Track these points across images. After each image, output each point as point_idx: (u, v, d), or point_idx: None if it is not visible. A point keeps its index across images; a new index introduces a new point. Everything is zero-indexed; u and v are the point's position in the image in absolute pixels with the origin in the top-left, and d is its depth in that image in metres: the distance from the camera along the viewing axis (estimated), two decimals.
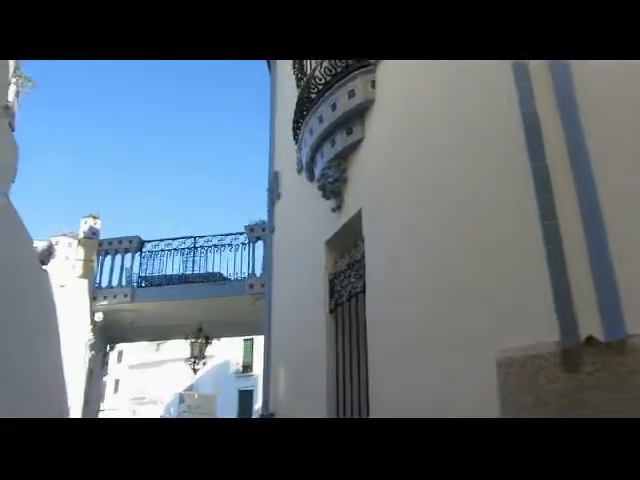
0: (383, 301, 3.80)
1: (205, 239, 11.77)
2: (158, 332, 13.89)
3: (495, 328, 2.61)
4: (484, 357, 2.59)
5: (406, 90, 3.86)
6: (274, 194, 7.13)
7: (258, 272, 11.02)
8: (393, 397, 3.45)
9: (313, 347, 5.15)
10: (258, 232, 11.13)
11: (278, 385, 6.40)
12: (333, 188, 4.60)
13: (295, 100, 5.16)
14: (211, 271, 11.58)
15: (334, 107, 4.40)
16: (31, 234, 8.31)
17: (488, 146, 2.92)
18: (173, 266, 11.76)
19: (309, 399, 5.14)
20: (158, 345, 50.35)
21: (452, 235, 3.09)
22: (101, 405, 16.64)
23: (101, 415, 18.31)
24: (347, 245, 4.69)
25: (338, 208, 4.73)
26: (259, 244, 11.27)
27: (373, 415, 3.71)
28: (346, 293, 4.59)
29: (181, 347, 40.68)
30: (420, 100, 3.64)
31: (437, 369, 3.01)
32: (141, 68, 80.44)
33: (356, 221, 4.33)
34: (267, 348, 6.95)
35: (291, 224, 6.55)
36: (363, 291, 4.17)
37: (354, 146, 4.42)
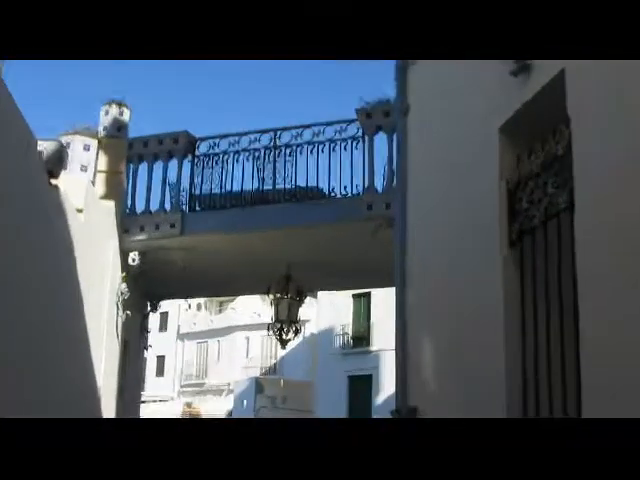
0: (608, 223, 3.76)
1: (292, 133, 11.93)
2: (221, 283, 14.50)
3: None
4: None
5: None
6: None
7: (380, 184, 11.08)
8: (628, 384, 3.45)
9: (480, 304, 5.19)
10: (378, 118, 11.11)
11: (421, 366, 6.53)
12: None
13: None
14: (303, 185, 11.80)
15: None
16: (34, 132, 8.81)
17: None
18: (243, 178, 12.09)
19: (475, 388, 5.21)
20: (221, 304, 53.01)
21: None
22: (142, 393, 17.93)
23: (144, 408, 19.77)
24: (539, 133, 4.67)
25: (523, 70, 4.68)
26: (380, 138, 11.27)
27: (587, 414, 3.73)
28: (539, 213, 4.60)
29: (257, 307, 42.75)
30: None
31: None
32: None
33: (555, 90, 4.29)
34: (401, 308, 7.09)
35: (437, 101, 6.56)
36: (570, 208, 4.16)
37: None
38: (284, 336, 12.83)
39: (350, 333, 36.45)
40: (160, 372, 49.41)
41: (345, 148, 11.42)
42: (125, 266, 11.96)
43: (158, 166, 12.43)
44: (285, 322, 12.77)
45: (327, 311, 36.70)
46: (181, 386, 48.79)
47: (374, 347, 34.10)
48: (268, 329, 13.13)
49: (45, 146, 9.96)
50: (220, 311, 51.45)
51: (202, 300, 49.66)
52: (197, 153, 12.36)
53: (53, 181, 9.34)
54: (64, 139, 11.17)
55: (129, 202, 12.30)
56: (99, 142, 11.73)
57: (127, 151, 12.17)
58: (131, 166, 12.35)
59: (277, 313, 12.79)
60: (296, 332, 12.98)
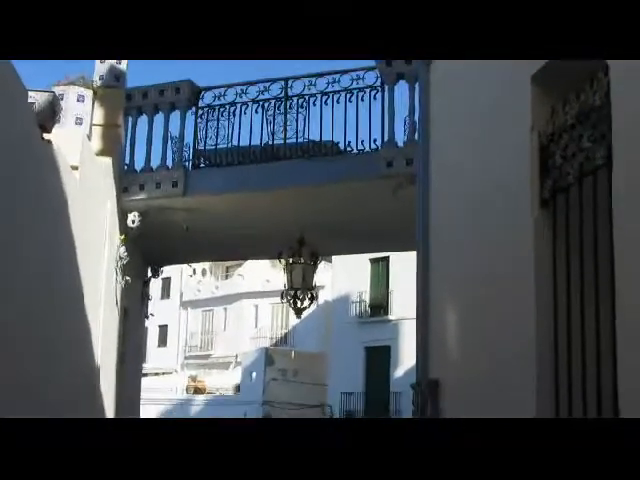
0: None
1: (304, 82, 11.90)
2: (228, 247, 14.59)
3: None
4: None
5: None
6: None
7: (400, 139, 11.07)
8: None
9: (509, 269, 5.20)
10: (399, 65, 11.04)
11: (444, 336, 6.58)
12: None
13: None
14: (316, 139, 11.79)
15: None
16: (24, 83, 8.80)
17: None
18: (251, 132, 12.10)
19: (502, 360, 5.25)
20: (228, 270, 53.09)
21: None
22: (143, 365, 18.12)
23: (145, 381, 19.98)
24: (573, 81, 4.64)
25: None
26: (401, 88, 11.25)
27: (625, 411, 3.73)
28: (573, 169, 4.60)
29: (266, 273, 42.80)
30: None
31: None
32: None
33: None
34: (423, 274, 7.12)
35: None
36: (608, 164, 4.15)
37: None
38: (299, 304, 12.88)
39: (367, 301, 36.53)
40: (162, 342, 49.84)
41: (362, 99, 11.40)
42: (124, 228, 12.03)
43: (159, 119, 12.49)
44: (300, 289, 12.82)
45: (342, 277, 36.79)
46: (185, 358, 49.19)
47: (393, 316, 34.24)
48: (281, 297, 13.20)
49: (36, 97, 9.96)
50: (226, 277, 51.68)
51: (207, 265, 49.87)
52: (201, 104, 12.37)
53: (45, 136, 9.35)
54: (57, 90, 11.15)
55: (128, 158, 12.38)
56: (95, 93, 11.69)
57: (125, 103, 12.19)
58: (130, 119, 12.41)
59: (291, 279, 12.84)
60: (312, 300, 13.05)
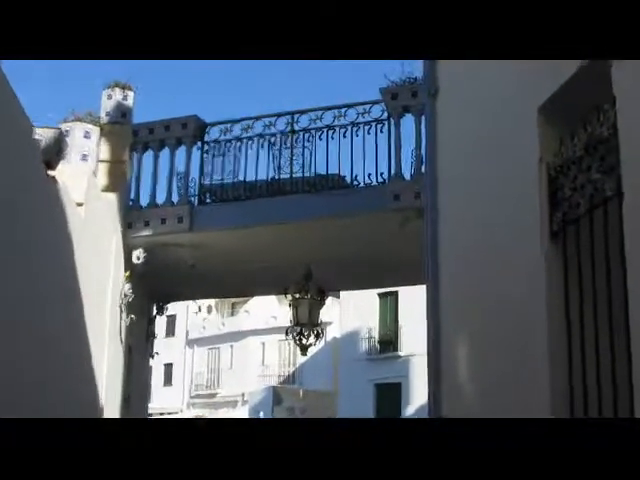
0: None
1: (310, 117, 11.99)
2: (234, 283, 14.57)
3: None
4: None
5: None
6: None
7: (407, 172, 11.11)
8: None
9: (521, 302, 5.20)
10: (405, 98, 11.13)
11: (456, 372, 6.56)
12: None
13: None
14: (323, 173, 11.84)
15: None
16: (30, 119, 8.88)
17: None
18: (257, 167, 12.16)
19: (517, 396, 5.23)
20: (234, 306, 53.03)
21: None
22: (148, 405, 18.01)
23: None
24: (582, 112, 4.66)
25: None
26: (407, 120, 11.31)
27: None
28: (583, 200, 4.60)
29: (273, 309, 42.67)
30: None
31: None
32: None
33: (599, 65, 4.25)
34: (433, 308, 7.13)
35: (469, 81, 6.57)
36: (618, 195, 4.15)
37: None
38: (304, 341, 12.85)
39: (376, 337, 36.41)
40: (168, 381, 49.62)
41: (369, 132, 11.48)
42: (129, 265, 12.05)
43: (165, 154, 12.55)
44: (306, 325, 12.79)
45: (351, 313, 36.71)
46: (191, 397, 48.96)
47: (403, 352, 34.10)
48: (286, 333, 13.17)
49: (42, 134, 10.02)
50: (232, 314, 51.56)
51: (213, 302, 49.78)
52: (207, 139, 12.48)
53: (50, 172, 9.42)
54: (63, 126, 11.25)
55: (133, 194, 12.41)
56: (101, 129, 11.79)
57: (131, 138, 12.28)
58: (135, 155, 12.47)
59: (296, 315, 12.82)
60: (317, 336, 12.99)
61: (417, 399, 29.61)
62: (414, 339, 28.71)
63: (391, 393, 33.96)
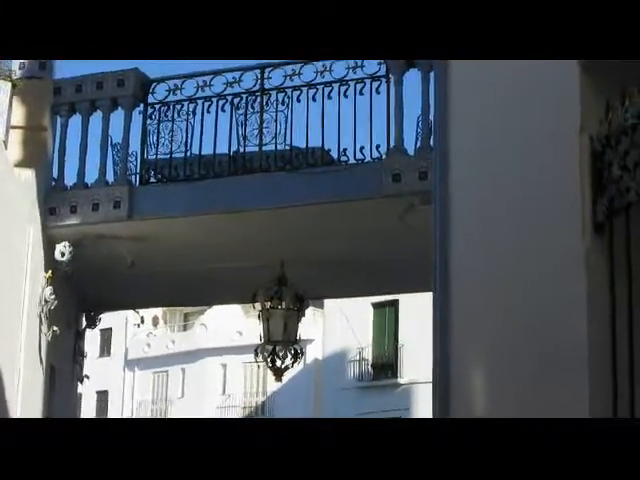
0: None
1: (286, 71, 11.93)
2: (187, 288, 14.59)
3: None
4: None
5: None
6: None
7: (411, 145, 11.12)
8: None
9: (554, 313, 5.20)
10: None
11: (471, 403, 6.55)
12: None
13: None
14: (302, 145, 11.82)
15: None
16: None
17: None
18: (216, 137, 12.18)
19: None
20: (187, 318, 52.90)
21: None
22: None
23: None
24: (634, 69, 4.63)
25: None
26: (412, 77, 11.31)
27: None
28: (636, 183, 4.57)
29: (237, 322, 42.61)
30: None
31: None
32: None
33: None
34: (442, 321, 7.12)
35: None
36: None
37: None
38: (278, 363, 12.93)
39: (370, 359, 36.52)
40: (102, 413, 49.63)
41: (361, 92, 11.51)
42: (51, 263, 12.04)
43: (96, 119, 12.54)
44: (280, 343, 12.86)
45: (337, 327, 36.80)
46: None
47: (404, 379, 34.24)
48: (255, 353, 13.19)
49: None
50: (185, 328, 51.70)
51: (159, 312, 49.83)
52: (151, 100, 12.45)
53: None
54: None
55: (56, 171, 12.38)
56: (13, 85, 11.71)
57: (53, 98, 12.21)
58: (59, 120, 12.42)
59: (268, 330, 12.87)
60: (295, 357, 13.04)
61: None
62: (418, 362, 28.77)
63: None
